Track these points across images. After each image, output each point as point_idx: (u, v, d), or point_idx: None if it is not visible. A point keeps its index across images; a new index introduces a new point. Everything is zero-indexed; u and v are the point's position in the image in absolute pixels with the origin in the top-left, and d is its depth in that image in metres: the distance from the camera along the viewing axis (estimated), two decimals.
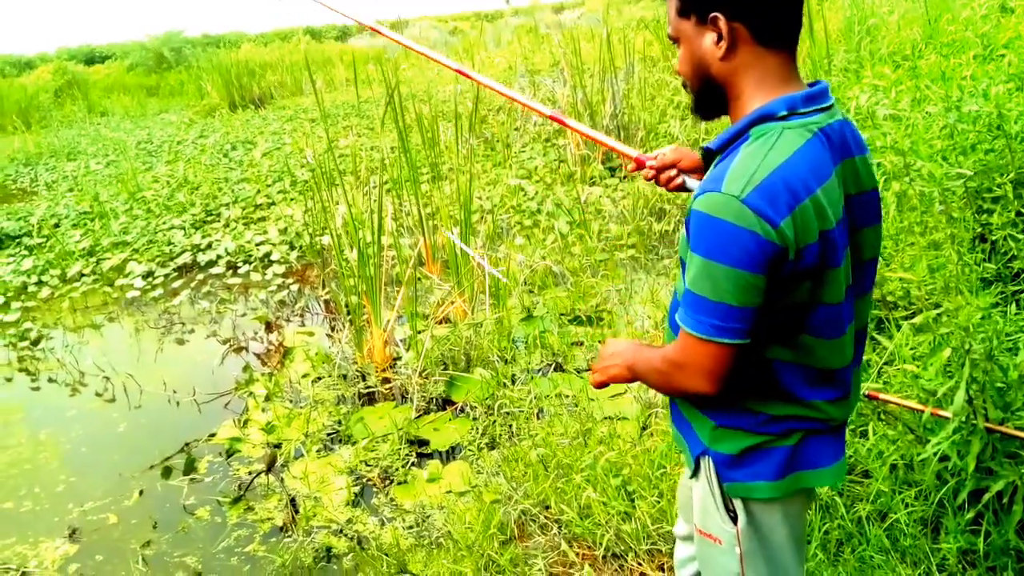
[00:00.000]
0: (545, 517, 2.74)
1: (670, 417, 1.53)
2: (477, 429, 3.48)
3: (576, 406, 3.42)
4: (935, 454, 2.02)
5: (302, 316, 5.17)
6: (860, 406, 2.47)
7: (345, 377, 4.11)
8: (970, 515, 2.07)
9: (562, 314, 4.42)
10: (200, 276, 6.04)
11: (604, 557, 2.50)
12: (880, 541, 2.21)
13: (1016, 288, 2.62)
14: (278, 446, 3.59)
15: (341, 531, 2.99)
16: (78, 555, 3.06)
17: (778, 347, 1.27)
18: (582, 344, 4.09)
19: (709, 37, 1.25)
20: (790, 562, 1.43)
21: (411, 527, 2.94)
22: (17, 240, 7.36)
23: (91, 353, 4.90)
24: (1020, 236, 2.65)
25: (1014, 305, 2.45)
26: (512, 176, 6.82)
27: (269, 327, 4.94)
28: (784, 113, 1.21)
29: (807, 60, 5.72)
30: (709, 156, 1.30)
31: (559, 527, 2.68)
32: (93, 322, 5.47)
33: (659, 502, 2.56)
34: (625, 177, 6.70)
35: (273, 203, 7.40)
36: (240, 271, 6.02)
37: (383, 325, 4.20)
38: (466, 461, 3.30)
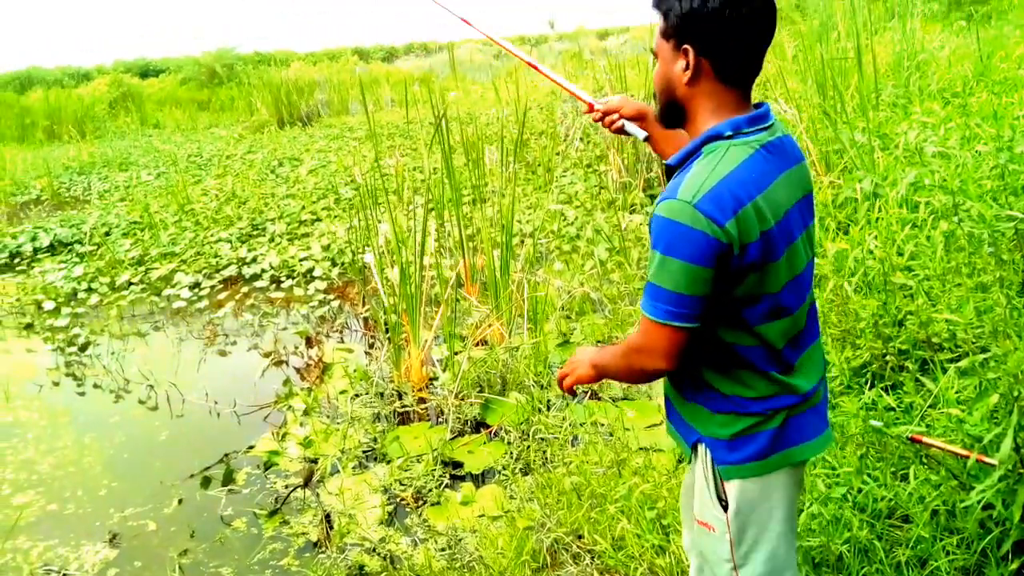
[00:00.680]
0: (578, 547, 2.74)
1: (665, 417, 1.68)
2: (511, 453, 3.49)
3: (611, 435, 3.41)
4: (979, 502, 1.98)
5: (341, 332, 5.24)
6: (902, 449, 2.44)
7: (382, 395, 4.15)
8: (1014, 566, 2.02)
9: (599, 341, 4.41)
10: (244, 289, 6.17)
11: None
12: None
13: None
14: (315, 461, 3.63)
15: (374, 550, 3.01)
16: (117, 560, 3.13)
17: (736, 332, 1.45)
18: None
19: (680, 64, 1.42)
20: (780, 546, 1.55)
21: (443, 549, 2.96)
22: (69, 247, 7.60)
23: (136, 361, 5.02)
24: None
25: None
26: (553, 201, 6.85)
27: (309, 342, 5.01)
28: (730, 133, 1.39)
29: (855, 94, 5.68)
30: (670, 171, 1.49)
31: (592, 557, 2.68)
32: (139, 330, 5.61)
33: None
34: None
35: (317, 219, 7.53)
36: (283, 285, 6.14)
37: (421, 345, 4.24)
38: (500, 485, 3.31)
